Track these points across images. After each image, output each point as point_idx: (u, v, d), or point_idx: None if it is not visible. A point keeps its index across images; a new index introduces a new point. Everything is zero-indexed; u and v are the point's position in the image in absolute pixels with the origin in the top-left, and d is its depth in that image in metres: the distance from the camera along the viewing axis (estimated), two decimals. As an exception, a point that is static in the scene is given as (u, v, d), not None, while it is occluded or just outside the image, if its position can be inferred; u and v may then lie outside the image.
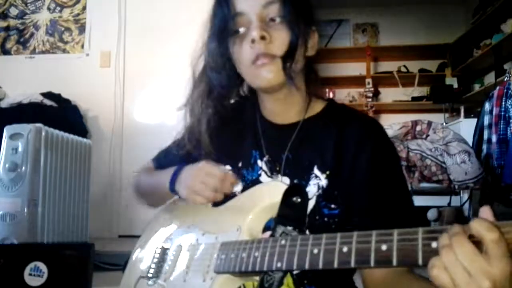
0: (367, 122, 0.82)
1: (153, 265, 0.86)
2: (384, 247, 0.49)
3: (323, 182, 0.78)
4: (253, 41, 0.75)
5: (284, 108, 0.85)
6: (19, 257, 1.49)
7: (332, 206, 0.77)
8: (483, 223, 0.43)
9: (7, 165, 1.89)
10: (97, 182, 2.69)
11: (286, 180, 0.80)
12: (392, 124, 2.85)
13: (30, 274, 1.45)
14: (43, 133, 1.99)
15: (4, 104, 2.72)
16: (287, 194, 0.71)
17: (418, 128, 2.77)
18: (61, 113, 2.72)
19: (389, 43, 4.80)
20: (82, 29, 3.16)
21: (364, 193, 0.76)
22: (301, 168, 0.80)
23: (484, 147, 2.78)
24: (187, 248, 0.82)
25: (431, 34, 4.61)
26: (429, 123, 2.77)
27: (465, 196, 2.73)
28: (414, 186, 2.58)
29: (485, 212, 0.46)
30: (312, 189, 0.77)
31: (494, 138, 2.68)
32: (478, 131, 2.91)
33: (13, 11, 3.26)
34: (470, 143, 2.81)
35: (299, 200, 0.71)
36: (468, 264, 0.42)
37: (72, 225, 2.21)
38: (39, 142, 1.97)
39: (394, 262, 0.48)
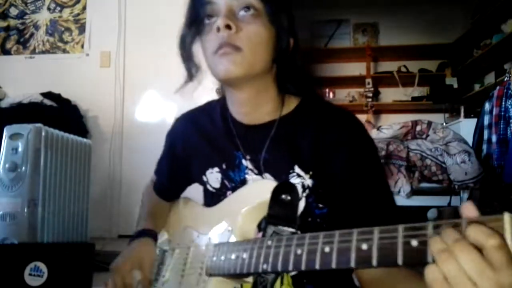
0: (342, 118, 0.79)
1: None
2: (364, 246, 0.48)
3: (308, 181, 0.76)
4: (218, 29, 0.73)
5: (252, 110, 0.82)
6: (19, 257, 1.49)
7: (320, 205, 0.76)
8: (482, 229, 0.40)
9: (7, 165, 1.89)
10: (97, 182, 2.69)
11: (270, 178, 0.79)
12: (392, 124, 2.85)
13: (30, 274, 1.45)
14: (43, 133, 1.99)
15: (4, 104, 2.72)
16: (276, 192, 0.70)
17: (418, 128, 2.77)
18: (61, 113, 2.71)
19: (389, 43, 4.80)
20: (82, 29, 3.16)
21: (345, 191, 0.74)
22: (280, 168, 0.78)
23: (484, 147, 2.78)
24: (183, 250, 0.82)
25: (431, 34, 4.61)
26: (429, 123, 2.77)
27: (465, 196, 2.72)
28: (414, 186, 2.58)
29: (469, 209, 0.43)
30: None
31: (494, 138, 2.68)
32: (478, 131, 2.91)
33: (13, 11, 3.26)
34: (470, 143, 2.81)
35: (288, 198, 0.70)
36: (475, 275, 0.39)
37: (72, 225, 2.21)
38: (39, 142, 1.96)
39: (374, 262, 0.46)
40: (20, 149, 1.91)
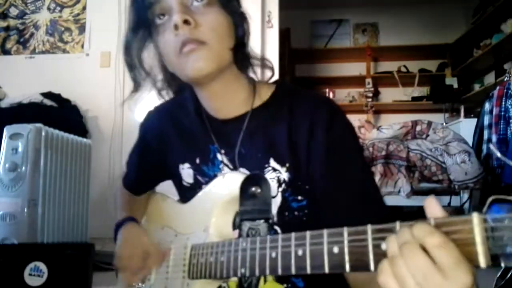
0: (317, 105, 0.74)
1: None
2: (336, 249, 0.46)
3: (284, 175, 0.73)
4: (176, 27, 0.66)
5: (224, 104, 0.77)
6: (19, 257, 1.49)
7: (299, 197, 0.73)
8: (423, 227, 0.38)
9: (7, 165, 1.89)
10: (97, 182, 2.68)
11: (246, 172, 0.75)
12: (392, 124, 2.85)
13: (30, 274, 1.45)
14: (43, 133, 1.99)
15: (4, 104, 2.72)
16: (246, 186, 0.68)
17: (418, 128, 2.77)
18: (61, 113, 2.72)
19: (389, 43, 4.80)
20: (82, 29, 3.16)
21: (324, 181, 0.70)
22: (255, 162, 0.75)
23: (484, 147, 2.78)
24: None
25: (431, 34, 4.61)
26: (429, 123, 2.78)
27: (465, 196, 2.73)
28: (414, 186, 2.58)
29: (432, 204, 0.41)
30: (272, 184, 0.72)
31: (494, 138, 2.68)
32: (478, 131, 2.91)
33: (13, 11, 3.26)
34: (470, 143, 2.81)
35: (259, 190, 0.67)
36: (421, 279, 0.38)
37: (72, 225, 2.21)
38: (39, 142, 1.96)
39: (347, 267, 0.44)
40: (20, 149, 1.91)
